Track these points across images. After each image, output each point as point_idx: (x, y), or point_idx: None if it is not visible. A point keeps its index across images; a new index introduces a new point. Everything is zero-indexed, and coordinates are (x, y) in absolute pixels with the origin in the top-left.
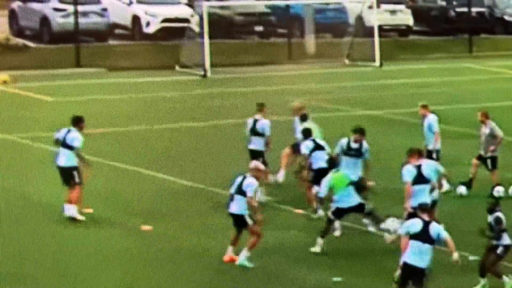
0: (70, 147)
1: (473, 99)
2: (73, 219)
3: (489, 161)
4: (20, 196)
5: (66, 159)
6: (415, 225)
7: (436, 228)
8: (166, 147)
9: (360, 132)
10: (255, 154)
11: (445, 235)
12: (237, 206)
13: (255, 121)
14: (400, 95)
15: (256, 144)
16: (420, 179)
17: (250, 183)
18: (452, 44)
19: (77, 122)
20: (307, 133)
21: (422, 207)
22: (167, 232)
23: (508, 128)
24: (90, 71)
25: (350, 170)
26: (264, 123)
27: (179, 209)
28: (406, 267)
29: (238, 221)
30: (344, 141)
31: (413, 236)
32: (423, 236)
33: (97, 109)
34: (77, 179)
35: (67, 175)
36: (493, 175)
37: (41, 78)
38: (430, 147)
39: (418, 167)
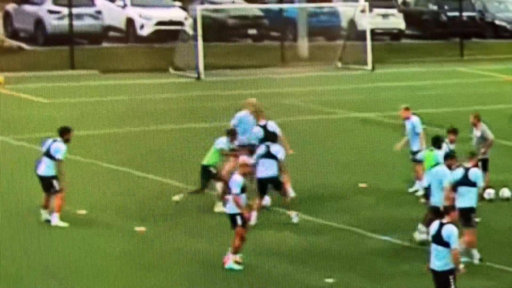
0: (52, 158)
1: (464, 102)
2: (56, 226)
3: (480, 164)
4: (13, 198)
5: (45, 168)
6: (432, 227)
7: (448, 231)
8: (160, 149)
9: (453, 132)
10: None
11: (454, 244)
12: (229, 205)
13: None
14: (392, 98)
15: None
16: (465, 181)
17: (234, 180)
18: (444, 48)
19: (63, 133)
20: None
21: (445, 209)
22: (162, 234)
23: (498, 131)
24: (84, 73)
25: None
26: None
27: (173, 210)
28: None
29: (230, 221)
30: (445, 147)
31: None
32: (437, 238)
33: (91, 111)
34: (57, 187)
35: (47, 183)
36: (484, 177)
37: (35, 79)
38: (415, 148)
39: (466, 170)
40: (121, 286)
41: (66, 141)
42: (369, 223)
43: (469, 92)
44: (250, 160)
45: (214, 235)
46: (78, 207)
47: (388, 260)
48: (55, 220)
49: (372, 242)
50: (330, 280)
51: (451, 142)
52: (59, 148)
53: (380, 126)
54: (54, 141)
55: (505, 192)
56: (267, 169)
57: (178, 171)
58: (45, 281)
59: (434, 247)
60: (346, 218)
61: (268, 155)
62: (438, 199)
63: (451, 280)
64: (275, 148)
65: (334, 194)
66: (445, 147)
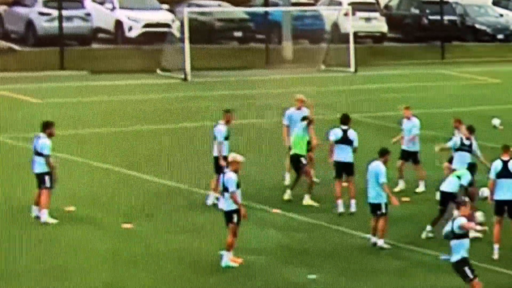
0: (41, 154)
1: (445, 104)
2: (45, 223)
3: None
4: (3, 195)
5: (38, 166)
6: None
7: (457, 222)
8: (148, 148)
9: (469, 130)
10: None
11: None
12: (224, 204)
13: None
14: (374, 99)
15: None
16: (506, 173)
17: (229, 178)
18: (425, 50)
19: (46, 127)
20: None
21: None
22: (149, 232)
23: (479, 132)
24: (73, 73)
25: (462, 163)
26: (216, 130)
27: (160, 209)
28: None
29: (226, 218)
30: (457, 138)
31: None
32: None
33: (80, 111)
34: (47, 184)
35: (40, 180)
36: None
37: (26, 80)
38: (409, 148)
39: (505, 162)
40: (108, 282)
41: (49, 135)
42: (352, 221)
43: (450, 94)
44: (240, 157)
45: (202, 232)
46: (67, 204)
47: (370, 257)
48: (44, 216)
49: (355, 240)
50: (312, 276)
51: (467, 139)
52: (44, 143)
53: (362, 126)
54: (38, 138)
55: (484, 192)
56: (343, 154)
57: (165, 170)
58: (33, 277)
59: None
60: (330, 216)
61: (345, 140)
62: (373, 195)
63: None
64: (352, 134)
65: (317, 193)
66: (455, 141)
